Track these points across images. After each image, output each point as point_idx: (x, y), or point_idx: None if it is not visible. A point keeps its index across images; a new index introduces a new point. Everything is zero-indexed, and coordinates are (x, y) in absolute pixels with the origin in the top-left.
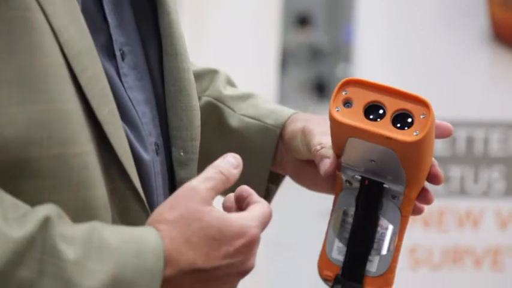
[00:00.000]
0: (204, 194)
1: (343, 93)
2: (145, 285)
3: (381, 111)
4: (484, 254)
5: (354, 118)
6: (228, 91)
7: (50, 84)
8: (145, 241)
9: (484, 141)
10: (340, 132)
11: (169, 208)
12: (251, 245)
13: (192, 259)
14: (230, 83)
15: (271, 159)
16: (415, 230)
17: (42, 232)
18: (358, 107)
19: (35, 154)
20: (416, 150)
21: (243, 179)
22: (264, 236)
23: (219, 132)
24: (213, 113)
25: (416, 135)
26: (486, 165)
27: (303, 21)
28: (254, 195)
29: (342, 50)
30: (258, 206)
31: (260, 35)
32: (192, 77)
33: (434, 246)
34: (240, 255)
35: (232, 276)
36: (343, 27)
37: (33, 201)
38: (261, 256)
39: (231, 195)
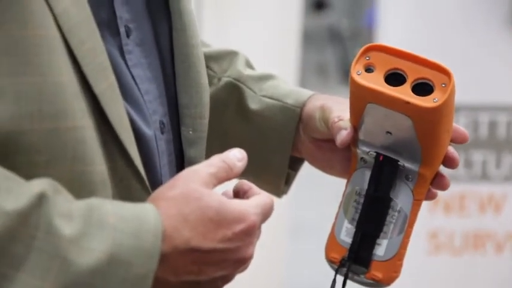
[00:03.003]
0: (205, 177)
1: (366, 58)
2: (142, 265)
3: (401, 79)
4: (506, 239)
5: (374, 83)
6: (248, 72)
7: (42, 56)
8: (144, 220)
9: (507, 125)
10: (359, 97)
11: (169, 187)
12: (250, 231)
13: (187, 237)
14: (249, 65)
15: (292, 139)
16: (436, 215)
17: (36, 208)
18: (380, 72)
19: (26, 128)
20: (433, 119)
21: (264, 162)
22: (287, 218)
23: (240, 113)
24: (234, 94)
25: (435, 102)
26: (509, 150)
27: (319, 5)
28: (255, 188)
29: (363, 34)
30: (260, 196)
31: (280, 18)
32: (201, 53)
33: (455, 231)
34: (238, 241)
35: (229, 263)
36: (365, 12)
37: (28, 177)
38: (282, 239)
39: (229, 190)
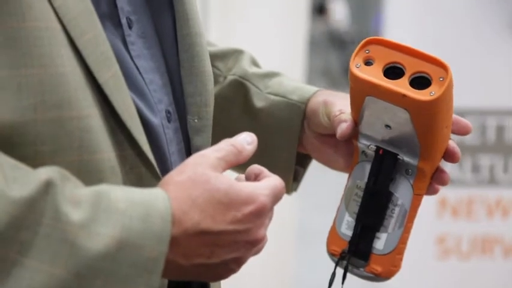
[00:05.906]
0: (213, 161)
1: (365, 51)
2: (153, 249)
3: (400, 72)
4: None
5: (373, 76)
6: (254, 69)
7: (43, 48)
8: (153, 204)
9: None
10: (358, 90)
11: (178, 172)
12: (260, 213)
13: (197, 220)
14: (255, 63)
15: (298, 135)
16: (444, 220)
17: (43, 195)
18: (378, 66)
19: (29, 118)
20: (430, 113)
21: (270, 158)
22: (293, 223)
23: (245, 111)
24: (239, 91)
25: (431, 95)
26: None
27: (321, 10)
28: (266, 171)
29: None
30: (270, 179)
31: (287, 23)
32: (204, 42)
33: (463, 235)
34: (248, 223)
35: (240, 245)
36: (372, 16)
37: (35, 167)
38: (290, 243)
39: (242, 176)
